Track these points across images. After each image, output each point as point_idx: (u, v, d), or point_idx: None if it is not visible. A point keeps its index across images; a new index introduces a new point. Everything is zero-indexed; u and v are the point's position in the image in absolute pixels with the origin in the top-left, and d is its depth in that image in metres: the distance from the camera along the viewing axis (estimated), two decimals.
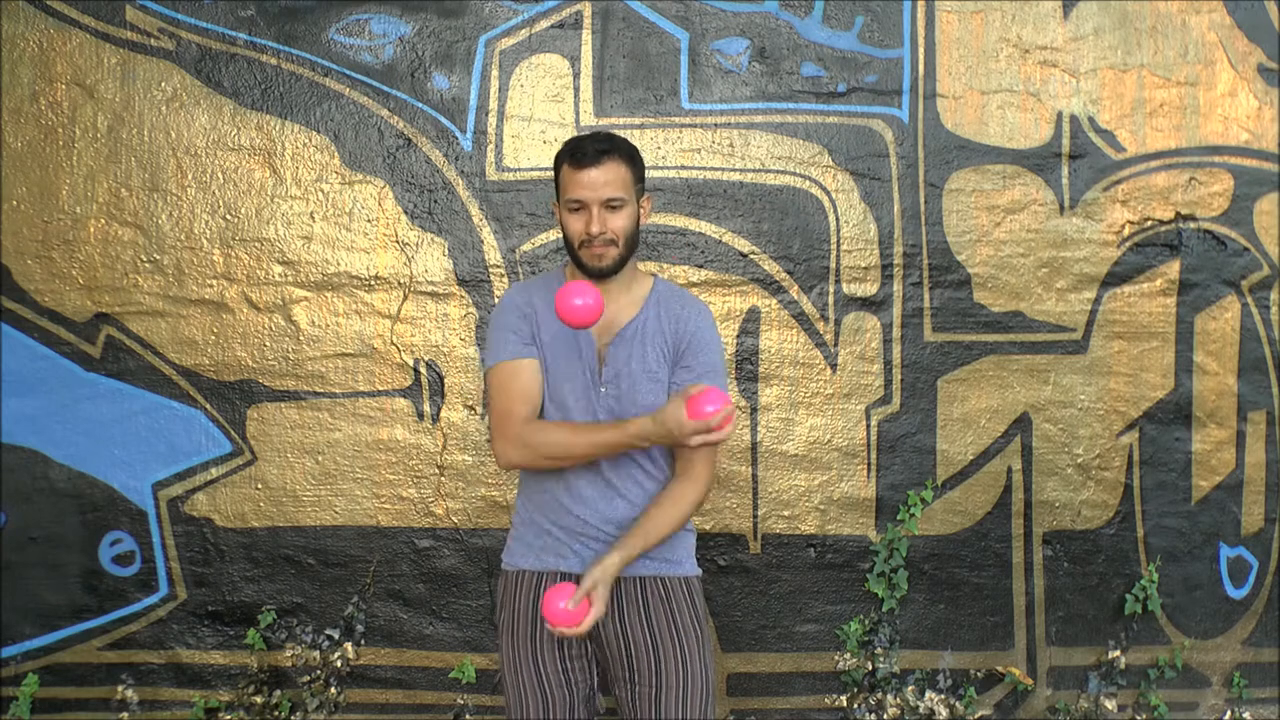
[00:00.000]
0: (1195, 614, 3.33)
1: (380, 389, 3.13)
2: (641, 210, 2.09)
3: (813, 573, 3.21)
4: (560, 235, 3.10)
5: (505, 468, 2.14)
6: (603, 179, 2.00)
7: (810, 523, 3.20)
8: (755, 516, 3.19)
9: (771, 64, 3.19)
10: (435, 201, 3.14)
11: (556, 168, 2.07)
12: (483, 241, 3.14)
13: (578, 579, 2.01)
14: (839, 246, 3.21)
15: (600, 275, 2.05)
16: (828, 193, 3.20)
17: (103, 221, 3.08)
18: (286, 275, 3.12)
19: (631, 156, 2.06)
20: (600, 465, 2.04)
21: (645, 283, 2.14)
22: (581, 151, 2.01)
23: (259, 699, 3.10)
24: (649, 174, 3.00)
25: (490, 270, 3.14)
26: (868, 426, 3.22)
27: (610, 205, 2.01)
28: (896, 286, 3.22)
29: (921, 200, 3.22)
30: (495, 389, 2.08)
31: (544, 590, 2.05)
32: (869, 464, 3.22)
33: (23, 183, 3.07)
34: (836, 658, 3.22)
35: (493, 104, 3.14)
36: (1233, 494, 3.33)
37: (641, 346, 2.07)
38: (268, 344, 3.11)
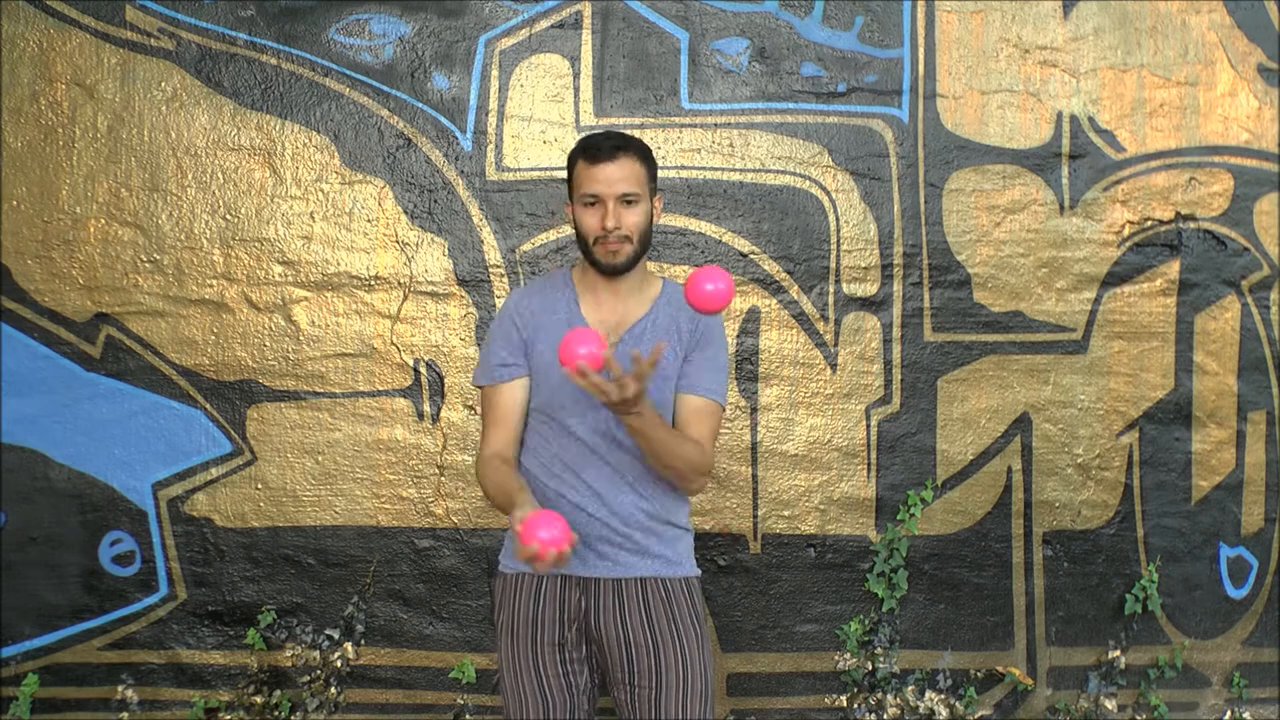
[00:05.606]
0: (1195, 614, 3.33)
1: (380, 389, 3.13)
2: (655, 209, 2.10)
3: (813, 573, 3.21)
4: (562, 235, 3.13)
5: None
6: (618, 174, 2.01)
7: (810, 523, 3.20)
8: (755, 516, 3.19)
9: (771, 64, 3.19)
10: (435, 201, 3.14)
11: (571, 165, 2.07)
12: (483, 241, 3.14)
13: (580, 581, 2.04)
14: (839, 246, 3.21)
15: (614, 272, 2.05)
16: (828, 193, 3.20)
17: (103, 221, 3.08)
18: (286, 275, 3.11)
19: (646, 155, 2.07)
20: (608, 458, 2.04)
21: (655, 284, 2.15)
22: (597, 147, 2.02)
23: (259, 699, 3.10)
24: None
25: (490, 270, 3.14)
26: (868, 426, 3.22)
27: (625, 200, 2.02)
28: (896, 286, 3.22)
29: (921, 200, 3.22)
30: (482, 411, 2.19)
31: (543, 594, 2.06)
32: (869, 464, 3.22)
33: (23, 183, 3.07)
34: (836, 658, 3.22)
35: (493, 104, 3.14)
36: (1233, 494, 3.33)
37: (654, 342, 2.07)
38: (268, 344, 3.11)
